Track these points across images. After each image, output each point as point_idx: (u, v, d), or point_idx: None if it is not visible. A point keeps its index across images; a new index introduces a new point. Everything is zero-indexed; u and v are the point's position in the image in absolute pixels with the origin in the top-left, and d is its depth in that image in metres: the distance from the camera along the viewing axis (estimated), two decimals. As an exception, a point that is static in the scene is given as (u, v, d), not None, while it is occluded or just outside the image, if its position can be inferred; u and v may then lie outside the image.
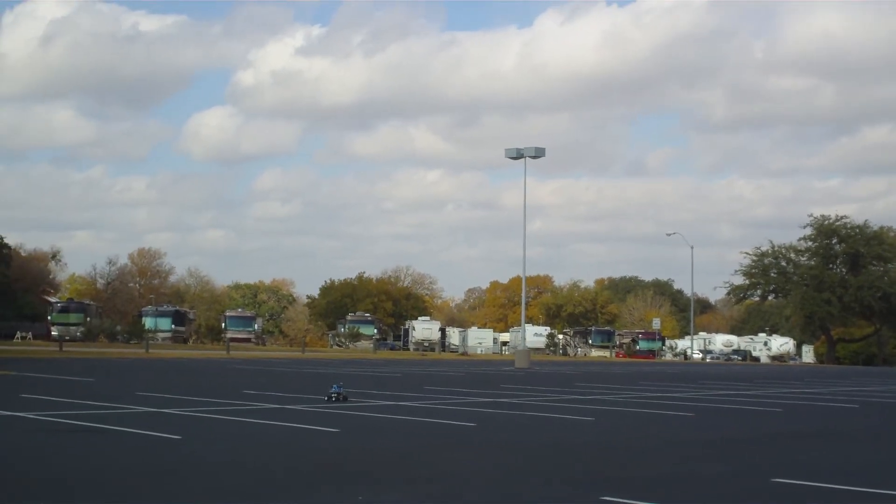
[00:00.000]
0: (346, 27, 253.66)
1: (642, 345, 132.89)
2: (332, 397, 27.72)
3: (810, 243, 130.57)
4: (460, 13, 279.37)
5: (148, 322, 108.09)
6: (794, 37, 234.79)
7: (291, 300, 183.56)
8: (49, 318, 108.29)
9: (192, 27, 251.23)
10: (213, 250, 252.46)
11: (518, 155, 71.93)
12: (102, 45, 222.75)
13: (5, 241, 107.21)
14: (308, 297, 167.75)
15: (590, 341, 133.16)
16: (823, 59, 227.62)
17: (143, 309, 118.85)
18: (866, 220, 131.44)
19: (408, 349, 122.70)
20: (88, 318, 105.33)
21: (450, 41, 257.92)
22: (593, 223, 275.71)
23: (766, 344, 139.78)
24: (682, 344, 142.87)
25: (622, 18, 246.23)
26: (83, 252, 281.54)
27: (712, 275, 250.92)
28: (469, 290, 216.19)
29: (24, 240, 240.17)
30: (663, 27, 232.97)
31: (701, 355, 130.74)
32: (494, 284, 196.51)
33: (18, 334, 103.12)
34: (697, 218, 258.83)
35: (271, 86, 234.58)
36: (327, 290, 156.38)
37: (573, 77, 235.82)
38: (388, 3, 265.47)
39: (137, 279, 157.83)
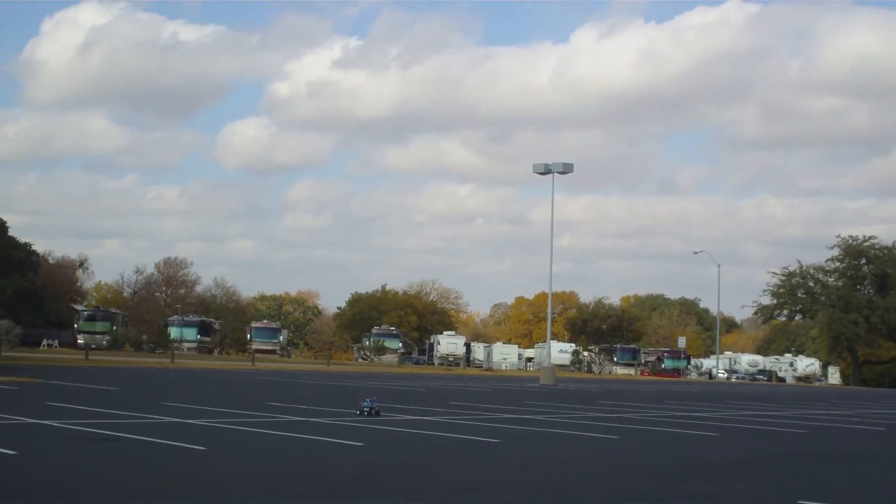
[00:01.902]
0: (383, 40, 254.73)
1: (667, 363, 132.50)
2: (364, 411, 27.57)
3: (838, 264, 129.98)
4: (497, 28, 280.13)
5: (173, 332, 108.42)
6: (829, 57, 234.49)
7: (317, 312, 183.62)
8: (75, 326, 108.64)
9: (230, 37, 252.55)
10: (241, 260, 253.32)
11: (546, 170, 71.87)
12: (141, 54, 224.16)
13: (33, 248, 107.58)
14: (338, 308, 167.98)
15: (615, 359, 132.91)
16: (858, 79, 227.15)
17: (169, 318, 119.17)
18: (895, 242, 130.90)
19: (432, 363, 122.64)
20: (115, 327, 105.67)
21: (486, 56, 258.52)
22: (622, 240, 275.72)
23: (791, 364, 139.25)
24: (708, 363, 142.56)
25: (659, 35, 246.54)
26: (113, 260, 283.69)
27: (739, 294, 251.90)
28: (495, 306, 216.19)
29: (55, 247, 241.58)
30: (700, 45, 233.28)
31: (726, 375, 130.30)
32: (520, 300, 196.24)
33: (45, 342, 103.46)
34: (726, 236, 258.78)
35: (306, 97, 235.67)
36: (354, 301, 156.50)
37: (607, 93, 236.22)
38: (425, 17, 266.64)
39: (163, 288, 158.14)
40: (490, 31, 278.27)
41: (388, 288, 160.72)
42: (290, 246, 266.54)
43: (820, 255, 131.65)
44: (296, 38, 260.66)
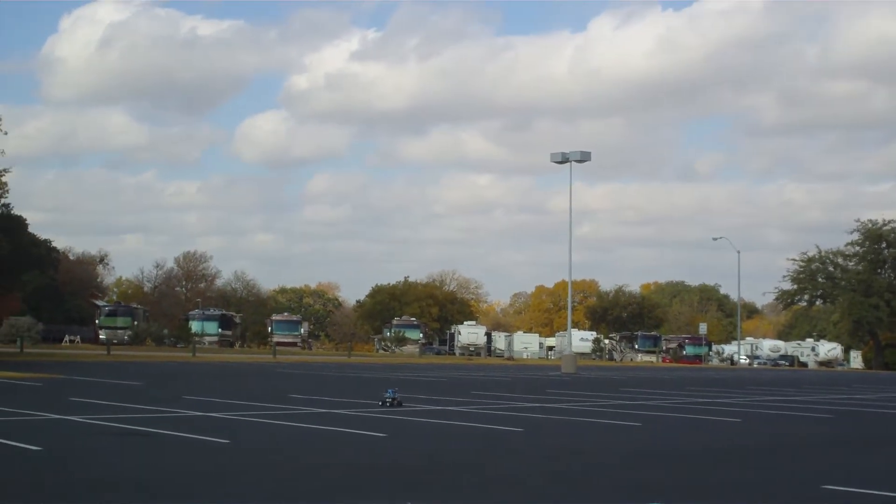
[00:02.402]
0: (401, 31, 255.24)
1: (689, 350, 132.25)
2: (386, 402, 27.62)
3: (858, 248, 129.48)
4: (515, 17, 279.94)
5: (195, 326, 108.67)
6: (848, 41, 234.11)
7: (337, 304, 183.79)
8: (97, 321, 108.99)
9: (248, 32, 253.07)
10: (261, 254, 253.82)
11: (563, 159, 71.73)
12: (159, 50, 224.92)
13: (54, 244, 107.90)
14: (357, 301, 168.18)
15: (636, 346, 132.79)
16: (877, 63, 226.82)
17: (189, 312, 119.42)
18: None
19: (453, 353, 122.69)
20: (136, 322, 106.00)
21: (504, 45, 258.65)
22: (641, 227, 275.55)
23: (813, 349, 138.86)
24: (729, 349, 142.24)
25: (677, 22, 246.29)
26: (133, 255, 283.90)
27: (760, 279, 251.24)
28: (515, 295, 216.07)
29: (75, 243, 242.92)
30: (718, 31, 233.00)
31: (748, 360, 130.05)
32: (540, 289, 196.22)
33: (67, 338, 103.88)
34: (746, 222, 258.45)
35: (325, 89, 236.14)
36: (375, 292, 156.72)
37: (625, 81, 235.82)
38: (443, 8, 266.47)
39: (184, 283, 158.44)
40: (508, 20, 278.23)
41: (410, 280, 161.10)
42: (310, 238, 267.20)
43: (840, 239, 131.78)
44: (314, 31, 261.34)
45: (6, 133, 63.13)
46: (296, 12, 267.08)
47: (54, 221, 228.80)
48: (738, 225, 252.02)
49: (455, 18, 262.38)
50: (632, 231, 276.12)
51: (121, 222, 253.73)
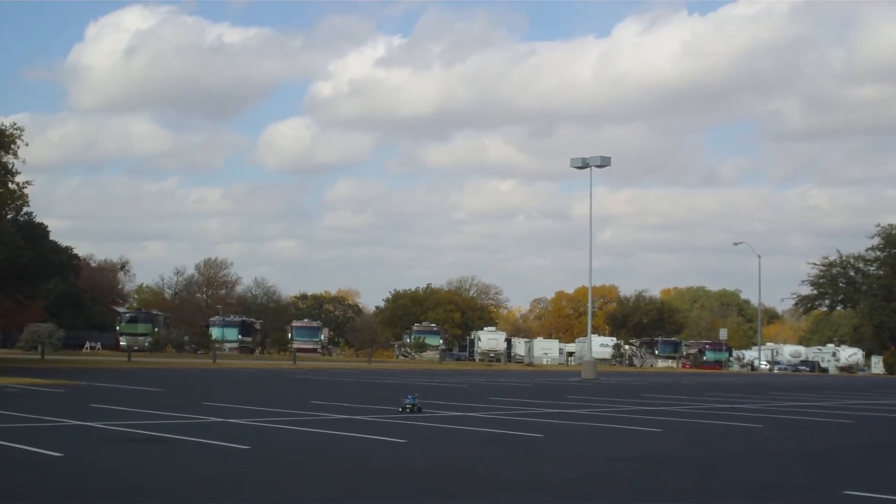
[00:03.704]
0: (427, 38, 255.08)
1: (709, 355, 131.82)
2: (406, 408, 27.65)
3: (878, 253, 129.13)
4: (540, 23, 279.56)
5: (215, 332, 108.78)
6: (873, 46, 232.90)
7: (357, 311, 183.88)
8: (117, 328, 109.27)
9: (274, 39, 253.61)
10: (282, 260, 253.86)
11: (584, 164, 71.67)
12: (185, 57, 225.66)
13: (75, 252, 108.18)
14: (377, 308, 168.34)
15: (656, 352, 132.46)
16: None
17: (210, 319, 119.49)
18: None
19: (473, 360, 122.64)
20: (156, 329, 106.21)
21: (528, 51, 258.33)
22: (663, 233, 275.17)
23: (834, 354, 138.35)
24: (750, 354, 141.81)
25: (702, 27, 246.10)
26: (155, 262, 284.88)
27: (782, 285, 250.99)
28: (534, 301, 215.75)
29: (98, 250, 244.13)
30: (744, 37, 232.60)
31: (768, 366, 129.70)
32: (560, 294, 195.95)
33: (87, 344, 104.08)
34: (769, 228, 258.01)
35: (349, 96, 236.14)
36: (396, 298, 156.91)
37: (650, 86, 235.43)
38: (469, 14, 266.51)
39: (204, 289, 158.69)
40: (533, 27, 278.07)
41: (432, 286, 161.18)
42: (331, 245, 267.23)
43: (863, 244, 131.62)
44: (339, 38, 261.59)
45: (27, 144, 63.28)
46: (322, 19, 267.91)
47: (78, 229, 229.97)
48: (760, 230, 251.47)
49: (480, 25, 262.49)
50: (654, 236, 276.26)
51: (143, 229, 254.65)
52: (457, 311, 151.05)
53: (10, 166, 62.51)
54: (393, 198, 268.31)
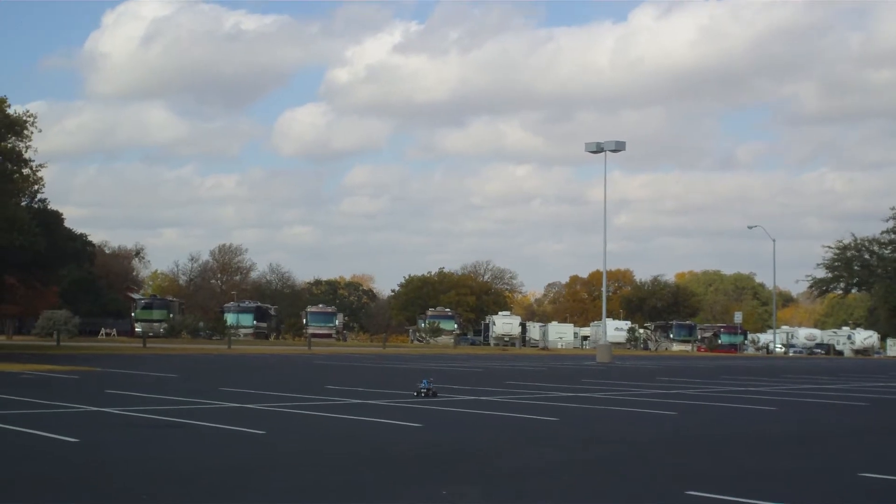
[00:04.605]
0: (444, 24, 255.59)
1: (724, 339, 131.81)
2: (421, 392, 27.70)
3: (893, 235, 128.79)
4: (558, 9, 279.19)
5: (230, 318, 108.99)
6: (891, 30, 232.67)
7: (372, 296, 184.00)
8: (133, 314, 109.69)
9: (292, 26, 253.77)
10: (297, 246, 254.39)
11: (598, 149, 71.67)
12: (203, 45, 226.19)
13: (90, 238, 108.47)
14: (392, 290, 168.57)
15: (671, 335, 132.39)
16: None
17: (225, 305, 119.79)
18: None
19: (488, 344, 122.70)
20: (171, 315, 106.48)
21: (546, 37, 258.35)
22: (680, 217, 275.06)
23: (849, 337, 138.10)
24: (765, 338, 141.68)
25: (719, 11, 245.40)
26: (171, 249, 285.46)
27: (798, 268, 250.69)
28: (549, 285, 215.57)
29: (115, 238, 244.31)
30: (761, 21, 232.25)
31: (783, 349, 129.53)
32: (574, 278, 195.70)
33: (103, 331, 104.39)
34: (786, 211, 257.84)
35: (365, 82, 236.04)
36: (410, 282, 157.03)
37: (667, 71, 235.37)
38: (486, 1, 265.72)
39: (219, 275, 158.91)
40: (551, 12, 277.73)
41: (445, 270, 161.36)
42: (347, 231, 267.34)
43: (880, 227, 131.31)
44: (357, 25, 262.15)
45: (41, 131, 63.50)
46: (340, 7, 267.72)
47: (94, 216, 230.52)
48: (777, 214, 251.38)
49: (498, 12, 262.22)
50: (670, 220, 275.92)
51: (159, 216, 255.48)
52: (471, 295, 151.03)
53: (23, 153, 62.72)
54: (410, 184, 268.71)
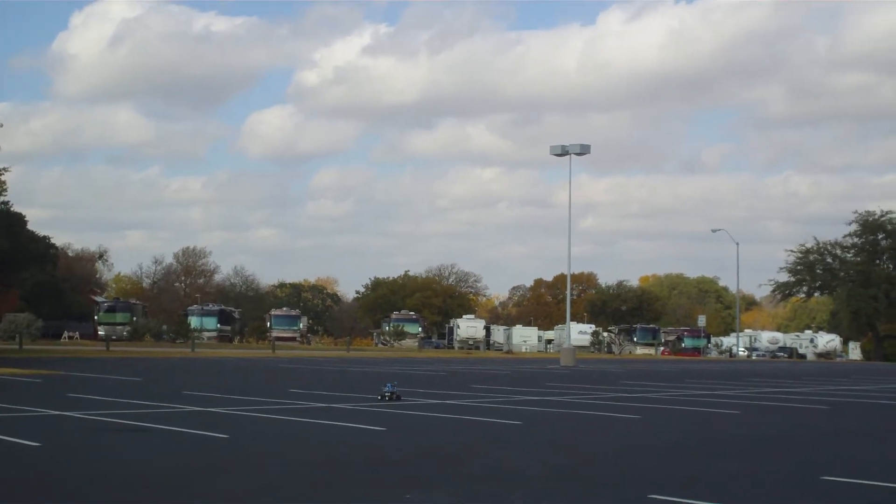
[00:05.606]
0: (414, 26, 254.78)
1: (687, 342, 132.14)
2: (385, 396, 27.70)
3: (856, 239, 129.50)
4: (529, 12, 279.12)
5: (193, 321, 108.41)
6: (858, 34, 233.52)
7: (336, 299, 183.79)
8: (96, 317, 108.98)
9: (261, 28, 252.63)
10: (263, 249, 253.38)
11: (563, 152, 71.72)
12: (171, 46, 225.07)
13: (52, 241, 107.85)
14: (357, 292, 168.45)
15: (635, 339, 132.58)
16: (887, 55, 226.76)
17: (188, 308, 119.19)
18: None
19: (452, 347, 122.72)
20: (135, 318, 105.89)
21: (515, 40, 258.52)
22: (644, 220, 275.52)
23: (812, 341, 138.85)
24: (728, 341, 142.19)
25: (687, 15, 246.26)
26: (136, 252, 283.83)
27: (761, 272, 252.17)
28: (513, 288, 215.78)
29: (79, 240, 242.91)
30: (729, 24, 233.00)
31: (746, 353, 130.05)
32: (538, 282, 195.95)
33: (66, 334, 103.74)
34: (751, 215, 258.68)
35: (334, 83, 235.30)
36: (376, 285, 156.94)
37: (634, 74, 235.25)
38: (457, 3, 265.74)
39: (182, 278, 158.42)
40: (521, 16, 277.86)
41: (410, 273, 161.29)
42: (312, 233, 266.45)
43: (844, 231, 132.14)
44: (327, 26, 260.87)
45: (2, 125, 63.13)
46: (311, 8, 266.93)
47: (58, 218, 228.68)
48: (741, 217, 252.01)
49: (468, 14, 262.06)
50: (634, 224, 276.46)
51: (124, 219, 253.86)
52: (436, 297, 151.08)
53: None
54: (376, 186, 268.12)
